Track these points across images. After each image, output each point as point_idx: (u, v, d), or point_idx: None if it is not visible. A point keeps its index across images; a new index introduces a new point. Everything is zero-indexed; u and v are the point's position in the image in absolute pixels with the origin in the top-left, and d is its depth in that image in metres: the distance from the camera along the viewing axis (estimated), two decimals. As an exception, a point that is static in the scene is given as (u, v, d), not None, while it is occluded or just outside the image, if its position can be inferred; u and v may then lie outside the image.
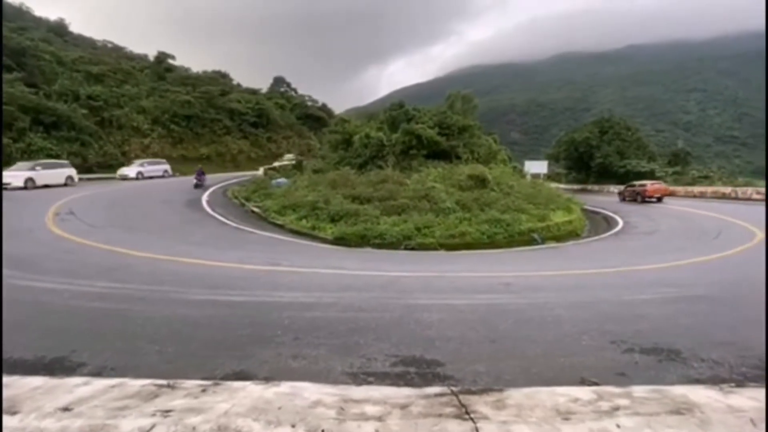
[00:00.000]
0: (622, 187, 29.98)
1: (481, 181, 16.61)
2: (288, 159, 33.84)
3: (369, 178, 17.49)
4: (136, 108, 37.53)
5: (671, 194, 28.47)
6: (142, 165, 28.16)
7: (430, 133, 20.99)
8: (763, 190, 26.49)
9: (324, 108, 63.25)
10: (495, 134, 33.05)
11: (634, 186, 28.03)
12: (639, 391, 1.89)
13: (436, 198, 14.41)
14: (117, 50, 56.94)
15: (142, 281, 5.85)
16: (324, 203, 13.99)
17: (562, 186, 32.38)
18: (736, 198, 26.79)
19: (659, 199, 26.26)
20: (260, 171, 31.50)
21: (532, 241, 12.68)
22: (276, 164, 31.43)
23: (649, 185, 27.22)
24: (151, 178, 27.15)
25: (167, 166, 30.13)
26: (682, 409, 1.66)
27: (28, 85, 29.54)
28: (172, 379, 2.09)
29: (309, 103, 62.09)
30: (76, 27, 61.24)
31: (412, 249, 11.16)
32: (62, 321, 4.23)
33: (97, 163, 30.32)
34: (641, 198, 26.35)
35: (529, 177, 27.10)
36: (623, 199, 27.40)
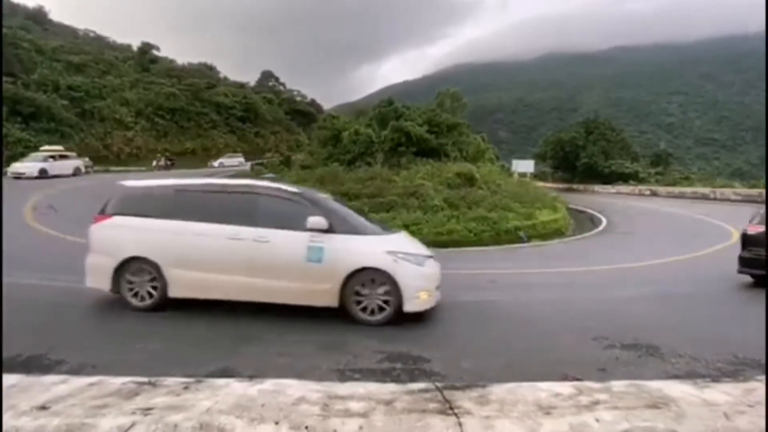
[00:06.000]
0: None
1: (469, 180, 16.70)
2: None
3: (358, 174, 17.41)
4: (118, 100, 36.60)
5: None
6: None
7: (419, 130, 20.98)
8: (740, 191, 27.34)
9: (313, 103, 62.73)
10: (483, 133, 33.28)
11: None
12: (618, 386, 1.93)
13: (424, 195, 14.43)
14: (99, 40, 55.45)
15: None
16: (312, 199, 13.87)
17: (548, 185, 33.00)
18: (715, 199, 27.52)
19: None
20: (247, 166, 31.21)
21: (518, 240, 12.82)
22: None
23: None
24: None
25: None
26: (658, 403, 1.71)
27: (5, 74, 28.58)
28: (153, 377, 2.06)
29: (298, 99, 61.50)
30: (56, 15, 59.20)
31: (400, 246, 11.16)
32: (41, 318, 4.11)
33: (78, 156, 29.47)
34: None
35: (516, 176, 27.38)
36: None
